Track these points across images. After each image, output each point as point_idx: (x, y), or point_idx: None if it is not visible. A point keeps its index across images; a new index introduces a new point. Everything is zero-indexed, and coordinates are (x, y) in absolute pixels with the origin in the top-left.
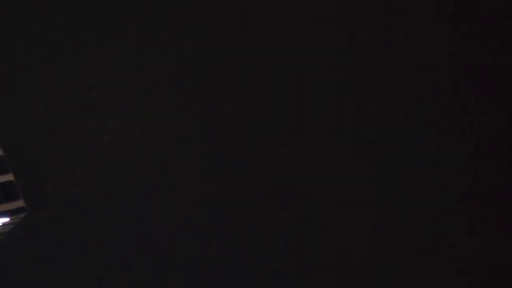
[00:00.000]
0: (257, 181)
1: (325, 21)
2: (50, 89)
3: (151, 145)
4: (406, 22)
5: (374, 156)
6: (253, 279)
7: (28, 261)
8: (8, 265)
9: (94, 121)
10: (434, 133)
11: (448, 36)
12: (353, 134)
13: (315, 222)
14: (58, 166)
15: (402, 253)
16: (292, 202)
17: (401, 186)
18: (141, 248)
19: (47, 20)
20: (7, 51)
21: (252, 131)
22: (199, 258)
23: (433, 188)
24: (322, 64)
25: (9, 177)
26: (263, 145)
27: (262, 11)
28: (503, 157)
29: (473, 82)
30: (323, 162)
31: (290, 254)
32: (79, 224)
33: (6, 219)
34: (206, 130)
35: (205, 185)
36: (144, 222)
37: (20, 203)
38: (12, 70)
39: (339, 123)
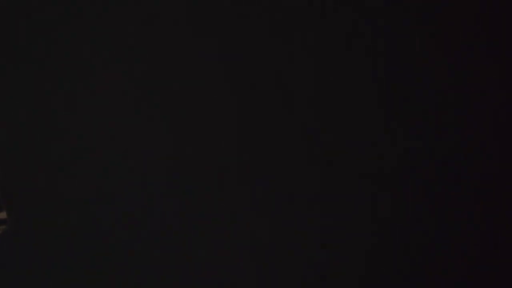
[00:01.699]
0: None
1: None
2: (37, 90)
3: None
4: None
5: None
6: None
7: (11, 275)
8: None
9: (84, 125)
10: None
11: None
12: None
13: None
14: (45, 174)
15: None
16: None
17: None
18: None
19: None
20: None
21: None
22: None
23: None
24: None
25: None
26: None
27: (263, 15)
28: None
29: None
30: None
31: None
32: (66, 238)
33: None
34: (205, 131)
35: (205, 186)
36: (138, 242)
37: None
38: None
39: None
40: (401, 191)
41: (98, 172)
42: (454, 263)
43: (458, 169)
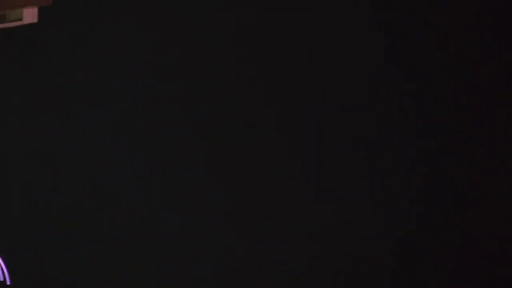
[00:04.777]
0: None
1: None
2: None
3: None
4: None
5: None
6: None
7: None
8: None
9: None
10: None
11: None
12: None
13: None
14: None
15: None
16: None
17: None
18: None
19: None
20: None
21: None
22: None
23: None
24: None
25: None
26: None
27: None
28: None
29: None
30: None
31: None
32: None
33: None
34: (206, 130)
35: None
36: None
37: None
38: None
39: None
40: (401, 191)
41: (96, 174)
42: (454, 262)
43: (458, 169)
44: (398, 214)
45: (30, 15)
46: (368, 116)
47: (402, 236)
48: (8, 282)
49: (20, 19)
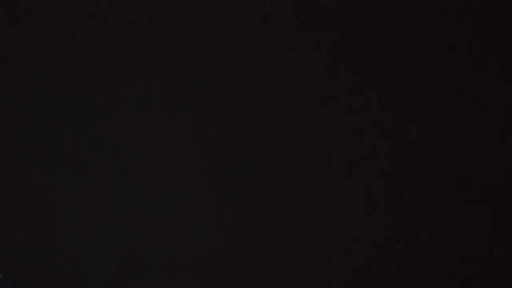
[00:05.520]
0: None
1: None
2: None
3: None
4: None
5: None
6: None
7: None
8: None
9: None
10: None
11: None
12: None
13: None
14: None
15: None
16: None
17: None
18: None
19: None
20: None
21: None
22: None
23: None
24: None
25: None
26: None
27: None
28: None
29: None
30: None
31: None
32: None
33: None
34: (209, 131)
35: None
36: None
37: None
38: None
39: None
40: (401, 191)
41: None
42: (453, 263)
43: (457, 169)
44: (398, 213)
45: None
46: (368, 115)
47: (402, 236)
48: None
49: None
